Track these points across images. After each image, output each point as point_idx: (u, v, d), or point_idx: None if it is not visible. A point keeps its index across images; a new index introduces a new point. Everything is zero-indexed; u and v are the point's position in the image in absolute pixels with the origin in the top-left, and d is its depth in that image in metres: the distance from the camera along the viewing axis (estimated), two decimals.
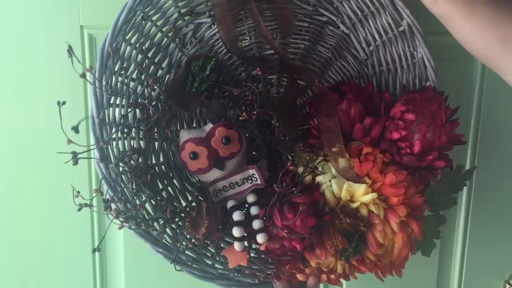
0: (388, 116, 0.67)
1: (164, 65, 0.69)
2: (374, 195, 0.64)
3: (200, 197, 0.66)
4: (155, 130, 0.66)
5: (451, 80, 0.84)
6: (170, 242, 0.66)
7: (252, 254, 0.69)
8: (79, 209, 0.60)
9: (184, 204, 0.70)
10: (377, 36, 0.72)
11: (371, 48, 0.73)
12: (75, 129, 0.56)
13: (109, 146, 0.64)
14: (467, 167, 0.86)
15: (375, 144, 0.67)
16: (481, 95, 0.86)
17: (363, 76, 0.74)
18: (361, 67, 0.74)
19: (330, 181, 0.66)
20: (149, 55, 0.67)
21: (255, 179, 0.67)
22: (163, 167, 0.69)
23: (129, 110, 0.65)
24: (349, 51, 0.73)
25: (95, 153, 0.63)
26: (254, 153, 0.74)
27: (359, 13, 0.71)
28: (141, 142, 0.66)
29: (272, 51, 0.71)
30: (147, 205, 0.66)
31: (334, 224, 0.66)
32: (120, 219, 0.61)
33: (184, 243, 0.66)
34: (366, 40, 0.72)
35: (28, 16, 0.76)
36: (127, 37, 0.65)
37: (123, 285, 0.84)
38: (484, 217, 0.88)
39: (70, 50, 0.61)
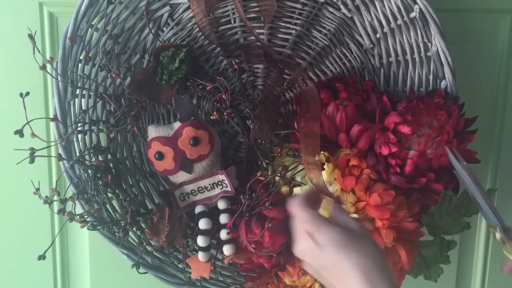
0: (383, 124, 0.62)
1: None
2: (355, 216, 0.61)
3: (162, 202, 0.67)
4: (122, 124, 0.67)
5: (467, 69, 0.74)
6: (137, 242, 0.69)
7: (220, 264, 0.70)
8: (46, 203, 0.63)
9: (157, 201, 0.71)
10: (384, 22, 0.65)
11: (377, 35, 0.66)
12: (20, 132, 0.58)
13: (74, 141, 0.66)
14: (487, 186, 0.78)
15: (364, 155, 0.62)
16: (506, 88, 0.76)
17: (368, 68, 0.68)
18: (365, 57, 0.67)
19: None
20: (119, 41, 0.66)
21: (225, 185, 0.66)
22: (135, 160, 0.71)
23: (90, 105, 0.66)
24: (352, 37, 0.67)
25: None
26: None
27: None
28: (105, 139, 0.67)
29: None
30: (115, 203, 0.68)
31: None
32: (76, 221, 0.64)
33: (147, 247, 0.68)
34: (372, 25, 0.66)
35: None
36: (93, 22, 0.64)
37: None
38: None
39: (31, 38, 0.62)
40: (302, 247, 0.50)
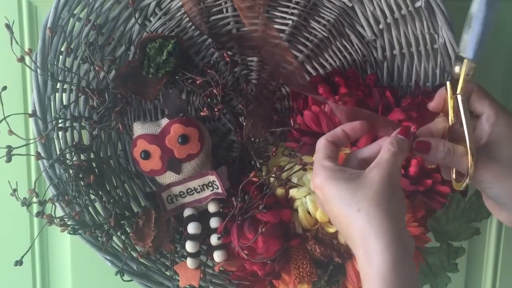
0: None
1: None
2: None
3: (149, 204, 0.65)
4: (106, 121, 0.65)
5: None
6: (121, 247, 0.67)
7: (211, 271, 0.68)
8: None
9: (143, 204, 0.69)
10: (387, 12, 0.62)
11: (380, 26, 0.64)
12: None
13: (54, 139, 0.64)
14: None
15: None
16: None
17: (370, 61, 0.66)
18: (367, 50, 0.65)
19: (305, 196, 0.62)
20: (103, 31, 0.64)
21: (216, 187, 0.64)
22: (120, 160, 0.69)
23: (72, 100, 0.64)
24: (352, 28, 0.65)
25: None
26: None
27: None
28: (87, 137, 0.65)
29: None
30: (98, 206, 0.66)
31: (305, 250, 0.62)
32: (56, 225, 0.62)
33: (133, 253, 0.66)
34: (375, 15, 0.63)
35: None
36: (75, 12, 0.63)
37: None
38: None
39: (9, 28, 0.61)
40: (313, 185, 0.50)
